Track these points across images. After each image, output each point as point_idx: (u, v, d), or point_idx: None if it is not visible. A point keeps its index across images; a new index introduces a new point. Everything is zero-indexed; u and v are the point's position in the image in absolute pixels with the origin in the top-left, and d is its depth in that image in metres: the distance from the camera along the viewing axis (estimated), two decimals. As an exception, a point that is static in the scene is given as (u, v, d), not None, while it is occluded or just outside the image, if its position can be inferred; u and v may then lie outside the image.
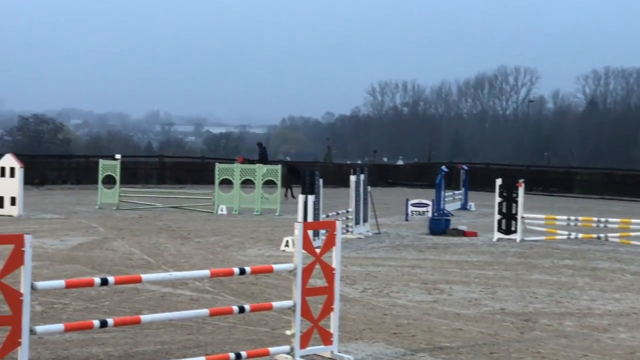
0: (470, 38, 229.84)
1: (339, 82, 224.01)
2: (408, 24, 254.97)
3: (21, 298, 6.67)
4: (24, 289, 6.68)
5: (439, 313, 11.23)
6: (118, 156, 29.13)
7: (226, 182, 27.52)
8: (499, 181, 20.80)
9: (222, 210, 26.56)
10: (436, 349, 9.16)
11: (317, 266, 8.30)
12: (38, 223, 21.59)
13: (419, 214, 25.74)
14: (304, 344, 8.26)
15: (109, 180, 28.28)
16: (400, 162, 66.54)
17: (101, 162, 28.75)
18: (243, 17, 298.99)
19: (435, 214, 24.69)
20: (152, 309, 10.87)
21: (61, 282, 7.29)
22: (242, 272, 8.15)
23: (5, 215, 23.14)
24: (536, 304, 12.15)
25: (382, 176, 47.54)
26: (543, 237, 20.34)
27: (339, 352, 8.54)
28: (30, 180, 34.14)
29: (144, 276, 7.85)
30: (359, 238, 20.00)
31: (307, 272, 8.21)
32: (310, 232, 8.41)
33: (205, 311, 8.22)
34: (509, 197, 20.55)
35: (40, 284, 6.90)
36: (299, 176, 35.13)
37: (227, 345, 9.05)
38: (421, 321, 10.65)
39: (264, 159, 34.65)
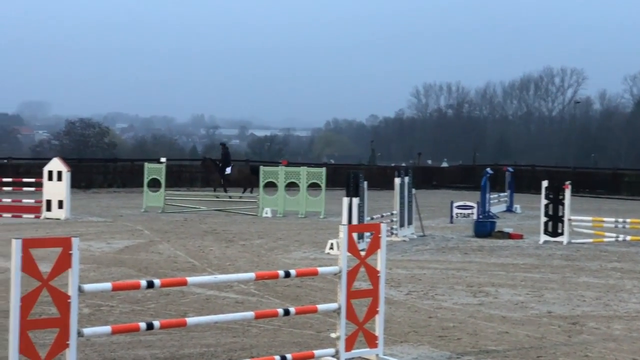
0: (516, 39, 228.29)
1: (383, 85, 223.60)
2: (452, 25, 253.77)
3: (69, 300, 6.72)
4: (72, 291, 6.73)
5: (484, 316, 11.14)
6: (163, 159, 29.32)
7: (271, 185, 27.58)
8: (545, 183, 20.60)
9: (266, 213, 26.61)
10: (482, 352, 9.08)
11: (362, 269, 8.26)
12: (85, 226, 21.80)
13: (464, 217, 25.58)
14: (349, 346, 8.23)
15: (154, 184, 28.49)
16: (444, 165, 66.27)
17: (146, 165, 28.97)
18: (287, 19, 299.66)
19: (481, 216, 24.53)
20: (198, 311, 10.91)
21: (108, 285, 7.34)
22: (287, 274, 8.14)
23: (52, 218, 23.42)
24: (584, 307, 12.00)
25: (427, 178, 47.35)
26: (590, 240, 20.10)
27: (384, 355, 8.50)
28: (77, 183, 34.54)
29: (190, 279, 7.87)
30: (404, 241, 19.92)
31: (352, 274, 8.18)
32: (355, 235, 8.38)
33: (250, 314, 8.21)
34: (555, 199, 20.34)
35: (88, 287, 6.95)
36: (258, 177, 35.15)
37: (272, 348, 9.05)
38: (467, 324, 10.57)
39: (226, 160, 34.58)
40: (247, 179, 33.95)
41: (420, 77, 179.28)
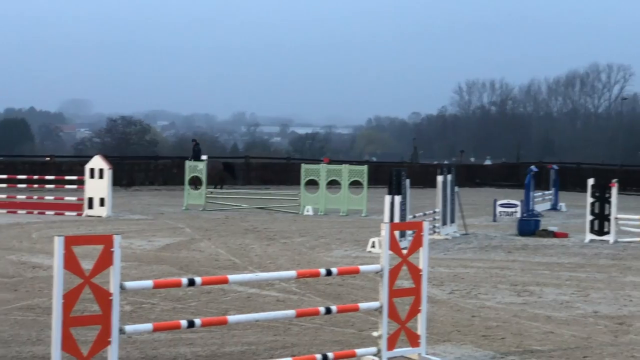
0: (561, 35, 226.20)
1: (426, 82, 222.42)
2: (496, 21, 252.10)
3: (110, 298, 6.74)
4: (113, 288, 6.75)
5: (529, 315, 10.99)
6: (204, 157, 29.41)
7: (312, 183, 27.56)
8: (591, 181, 20.34)
9: (308, 211, 26.59)
10: (527, 352, 8.95)
11: (404, 267, 8.19)
12: (126, 224, 21.93)
13: (508, 215, 25.35)
14: (391, 345, 8.17)
15: (196, 181, 28.59)
16: (487, 162, 65.80)
17: (187, 163, 29.08)
18: (328, 13, 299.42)
19: (525, 215, 24.27)
20: (239, 309, 10.90)
21: (149, 283, 7.35)
22: (329, 273, 8.10)
23: (94, 216, 23.57)
24: (630, 307, 11.79)
25: (470, 176, 47.06)
26: (638, 239, 19.79)
27: (427, 355, 8.42)
28: (119, 181, 34.76)
29: (231, 277, 7.85)
30: (446, 239, 19.78)
31: (394, 273, 8.12)
32: (397, 233, 8.31)
33: (291, 312, 8.18)
34: (601, 198, 20.07)
35: (129, 284, 6.96)
36: (234, 175, 34.57)
37: (313, 347, 9.01)
38: (511, 324, 10.44)
39: (197, 156, 34.00)
40: (219, 175, 33.50)
41: (463, 74, 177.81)
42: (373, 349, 8.16)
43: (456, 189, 21.40)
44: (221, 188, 32.63)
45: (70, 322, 6.62)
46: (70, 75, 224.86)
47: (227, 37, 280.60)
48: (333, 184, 27.65)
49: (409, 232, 15.87)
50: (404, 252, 8.21)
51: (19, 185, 28.05)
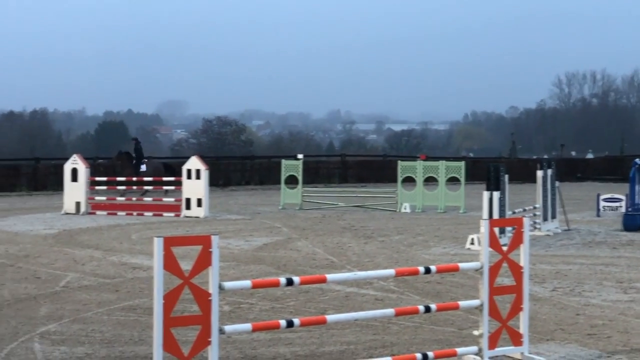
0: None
1: (523, 75, 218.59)
2: (596, 10, 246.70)
3: (210, 298, 6.77)
4: (212, 289, 6.78)
5: (636, 313, 10.66)
6: (300, 156, 29.47)
7: (409, 180, 27.39)
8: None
9: (405, 209, 26.44)
10: (634, 351, 8.68)
11: (505, 264, 8.04)
12: (223, 224, 22.14)
13: (612, 210, 24.73)
14: (492, 344, 8.02)
15: (292, 180, 28.69)
16: (589, 156, 64.47)
17: (283, 162, 29.19)
18: (420, 5, 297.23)
19: (630, 209, 23.60)
20: (337, 308, 10.87)
21: (247, 283, 7.37)
22: (427, 271, 8.00)
23: (192, 216, 23.85)
24: None
25: (571, 171, 46.13)
26: None
27: (530, 354, 8.24)
28: (215, 181, 35.10)
29: (329, 276, 7.82)
30: (548, 235, 19.40)
31: (494, 270, 7.98)
32: (496, 230, 8.17)
33: (390, 311, 8.11)
34: None
35: (228, 284, 6.99)
36: (173, 174, 33.03)
37: (413, 346, 8.92)
38: (617, 322, 10.14)
39: (139, 155, 32.56)
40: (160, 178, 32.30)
41: (562, 66, 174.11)
42: (474, 348, 8.03)
43: (557, 183, 20.97)
44: (165, 193, 30.04)
45: (171, 323, 6.69)
46: (167, 77, 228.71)
47: (320, 35, 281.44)
48: (430, 180, 27.42)
49: (509, 228, 15.63)
50: (504, 249, 8.07)
51: (119, 187, 28.62)
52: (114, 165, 32.73)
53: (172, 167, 31.85)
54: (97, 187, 26.75)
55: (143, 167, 31.84)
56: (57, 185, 32.28)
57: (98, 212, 24.73)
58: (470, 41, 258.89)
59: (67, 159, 26.76)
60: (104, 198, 25.87)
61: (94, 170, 30.33)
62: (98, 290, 12.25)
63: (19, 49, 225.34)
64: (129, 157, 32.45)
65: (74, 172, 25.32)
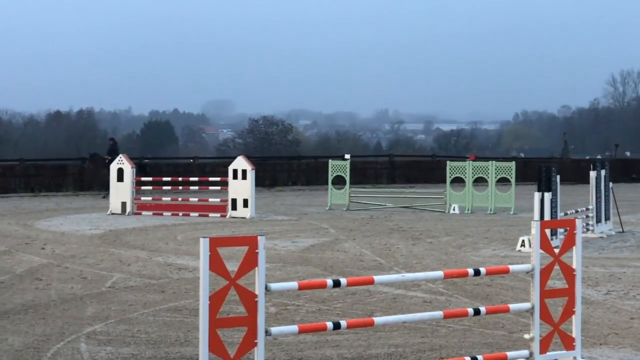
0: None
1: (576, 74, 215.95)
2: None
3: (256, 299, 6.71)
4: (259, 290, 6.72)
5: (692, 317, 10.40)
6: (347, 156, 29.35)
7: (458, 181, 27.16)
8: None
9: (454, 210, 26.22)
10: (691, 357, 8.44)
11: (556, 267, 7.87)
12: (270, 225, 22.10)
13: (665, 211, 24.28)
14: (543, 348, 7.86)
15: (339, 181, 28.59)
16: (644, 156, 63.43)
17: (330, 162, 29.09)
18: (467, 2, 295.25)
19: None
20: (385, 311, 10.75)
21: (294, 284, 7.28)
22: (477, 273, 7.86)
23: (238, 217, 23.85)
24: None
25: (625, 171, 45.48)
26: None
27: (583, 358, 8.06)
28: (262, 182, 35.12)
29: (376, 278, 7.72)
30: (601, 237, 19.07)
31: (545, 273, 7.82)
32: (547, 231, 8.00)
33: (439, 313, 7.98)
34: None
35: (274, 286, 6.92)
36: (146, 175, 32.14)
37: (462, 349, 8.78)
38: (673, 326, 9.89)
39: (115, 156, 32.02)
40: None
41: (617, 64, 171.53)
42: (525, 352, 7.88)
43: (610, 184, 20.61)
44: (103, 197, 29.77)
45: (217, 324, 6.65)
46: (212, 76, 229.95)
47: (367, 34, 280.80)
48: (479, 181, 27.16)
49: (561, 230, 15.39)
50: (556, 251, 7.90)
51: (164, 187, 28.72)
52: (85, 169, 32.09)
53: (145, 168, 31.45)
54: (143, 187, 26.88)
55: None
56: (103, 185, 32.53)
57: (144, 213, 24.86)
58: (521, 39, 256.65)
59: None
60: (149, 198, 26.01)
61: (140, 170, 30.41)
62: (144, 291, 12.26)
63: (65, 49, 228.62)
64: (101, 158, 32.13)
65: (120, 172, 25.48)
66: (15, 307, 11.09)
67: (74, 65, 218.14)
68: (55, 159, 48.23)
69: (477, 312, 7.86)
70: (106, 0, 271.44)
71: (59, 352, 8.70)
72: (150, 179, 27.70)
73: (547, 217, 16.51)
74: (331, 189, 28.24)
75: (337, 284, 7.22)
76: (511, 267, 8.20)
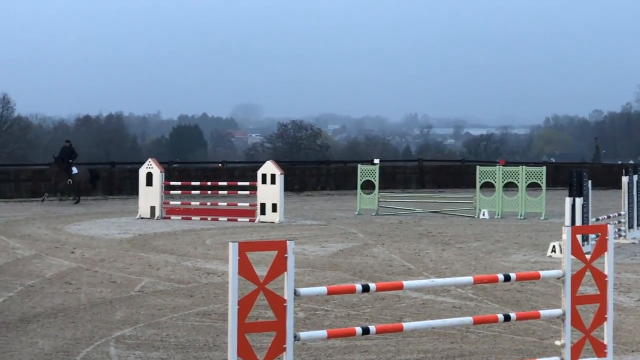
0: None
1: (608, 78, 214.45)
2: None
3: (285, 304, 6.69)
4: (287, 295, 6.70)
5: None
6: (377, 161, 29.27)
7: (488, 186, 27.01)
8: None
9: (484, 215, 26.07)
10: None
11: (588, 273, 7.78)
12: (298, 229, 22.08)
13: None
14: (575, 355, 7.77)
15: (368, 186, 28.53)
16: (675, 161, 62.83)
17: (360, 167, 29.03)
18: (497, 3, 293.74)
19: None
20: (414, 316, 10.70)
21: (323, 289, 7.25)
22: (507, 278, 7.79)
23: (266, 221, 23.83)
24: None
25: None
26: None
27: (615, 366, 7.95)
28: (290, 186, 35.09)
29: (406, 283, 7.67)
30: (633, 243, 18.87)
31: (576, 279, 7.74)
32: (579, 237, 7.92)
33: (468, 319, 7.92)
34: None
35: (303, 290, 6.89)
36: (95, 184, 31.37)
37: (492, 355, 8.72)
38: None
39: (70, 157, 30.88)
40: (85, 186, 30.70)
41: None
42: (556, 359, 7.81)
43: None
44: (77, 202, 29.23)
45: (246, 328, 6.62)
46: (242, 80, 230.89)
47: (396, 37, 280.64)
48: (509, 186, 26.99)
49: (592, 236, 15.24)
50: (587, 257, 7.82)
51: (193, 192, 28.78)
52: (52, 172, 31.64)
53: (96, 174, 31.12)
54: (172, 192, 26.96)
55: (75, 170, 31.11)
56: (132, 190, 32.71)
57: (172, 217, 24.91)
58: (553, 43, 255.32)
59: (142, 163, 27.01)
60: (178, 203, 26.06)
61: (169, 175, 30.52)
62: (172, 295, 12.28)
63: (94, 53, 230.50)
64: (63, 162, 31.40)
65: (149, 176, 25.56)
66: (45, 310, 11.16)
67: (103, 70, 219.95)
68: (84, 163, 48.52)
69: (507, 318, 7.78)
70: (137, 6, 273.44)
71: (88, 356, 8.73)
72: (179, 183, 27.79)
73: (578, 222, 16.37)
74: (360, 194, 28.17)
75: (366, 289, 7.17)
76: (542, 273, 8.12)
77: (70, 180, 28.89)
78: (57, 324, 10.32)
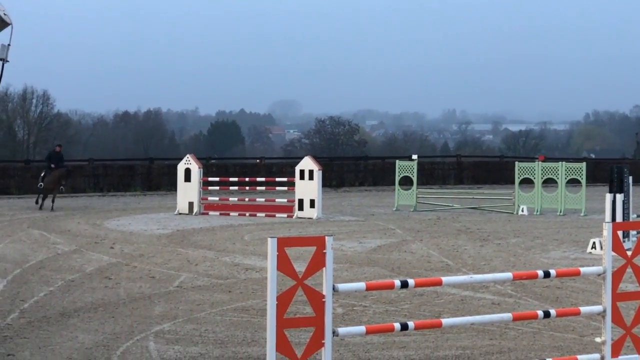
0: None
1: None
2: None
3: (323, 300, 6.69)
4: (326, 290, 6.70)
5: None
6: (415, 157, 29.19)
7: (526, 182, 26.83)
8: None
9: (522, 211, 25.90)
10: None
11: (629, 269, 7.70)
12: (336, 225, 22.07)
13: None
14: (615, 352, 7.69)
15: (406, 182, 28.45)
16: None
17: (398, 163, 28.97)
18: (540, 3, 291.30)
19: None
20: (453, 312, 10.66)
21: (361, 285, 7.24)
22: (547, 275, 7.73)
23: (304, 217, 23.86)
24: None
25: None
26: None
27: (656, 363, 7.87)
28: (328, 182, 35.11)
29: (444, 279, 7.64)
30: (673, 239, 18.64)
31: (617, 275, 7.66)
32: (619, 233, 7.83)
33: (508, 315, 7.87)
34: None
35: (341, 286, 6.88)
36: (65, 182, 30.11)
37: (531, 352, 8.66)
38: None
39: (59, 162, 28.93)
40: (60, 184, 28.19)
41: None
42: (596, 356, 7.73)
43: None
44: (53, 202, 27.78)
45: (284, 324, 6.63)
46: (279, 76, 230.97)
47: (434, 34, 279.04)
48: (549, 182, 26.79)
49: (633, 232, 15.09)
50: (628, 253, 7.73)
51: (231, 188, 28.88)
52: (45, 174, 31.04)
53: (70, 173, 30.45)
54: (210, 188, 27.06)
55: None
56: (170, 185, 32.95)
57: (211, 213, 25.03)
58: (593, 37, 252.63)
59: (180, 159, 27.17)
60: (216, 198, 26.16)
61: (207, 171, 30.61)
62: (211, 291, 12.34)
63: (133, 51, 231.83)
64: (50, 167, 29.78)
65: (187, 172, 25.68)
66: (85, 305, 11.26)
67: (142, 66, 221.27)
68: (123, 159, 48.94)
69: (547, 314, 7.73)
70: (174, 3, 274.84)
71: (128, 350, 8.80)
72: (217, 179, 27.92)
73: (618, 218, 16.20)
74: (398, 190, 28.12)
75: (404, 284, 7.15)
76: (582, 269, 8.04)
77: (41, 184, 28.28)
78: (97, 318, 10.41)
